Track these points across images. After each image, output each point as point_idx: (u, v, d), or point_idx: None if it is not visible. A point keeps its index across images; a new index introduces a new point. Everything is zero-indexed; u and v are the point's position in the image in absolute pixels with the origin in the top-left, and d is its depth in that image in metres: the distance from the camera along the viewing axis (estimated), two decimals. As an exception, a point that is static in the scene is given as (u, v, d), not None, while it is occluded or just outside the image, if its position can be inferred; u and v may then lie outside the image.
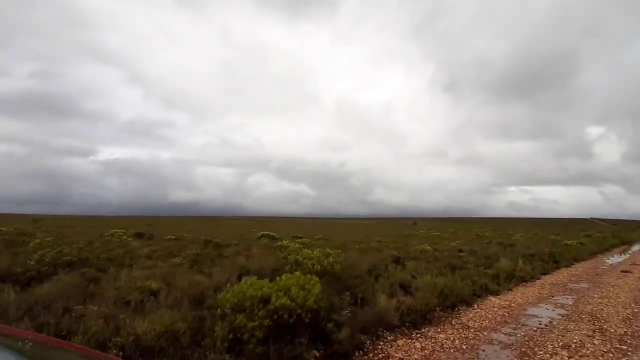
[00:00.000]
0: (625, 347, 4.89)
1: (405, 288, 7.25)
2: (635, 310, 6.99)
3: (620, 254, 19.67)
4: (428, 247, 15.34)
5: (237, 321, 3.79)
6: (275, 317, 3.89)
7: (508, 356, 4.58)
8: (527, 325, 5.90)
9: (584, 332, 5.54)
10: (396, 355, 4.51)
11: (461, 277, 8.97)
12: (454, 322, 5.94)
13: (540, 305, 7.36)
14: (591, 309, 6.99)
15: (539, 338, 5.21)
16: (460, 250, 16.46)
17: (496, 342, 5.02)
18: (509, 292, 8.60)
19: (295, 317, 4.04)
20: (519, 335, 5.35)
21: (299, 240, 19.72)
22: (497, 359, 4.51)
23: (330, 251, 8.39)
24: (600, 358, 4.53)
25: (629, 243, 28.96)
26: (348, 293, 6.98)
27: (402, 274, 8.34)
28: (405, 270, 9.21)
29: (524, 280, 10.07)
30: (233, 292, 4.24)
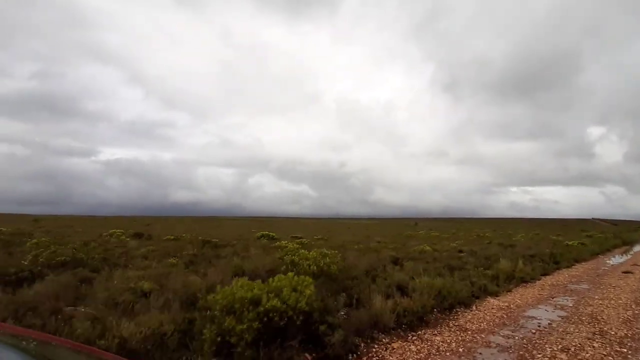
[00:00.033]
0: (626, 350, 4.77)
1: (402, 289, 7.14)
2: (636, 312, 6.87)
3: (622, 255, 19.53)
4: (427, 248, 15.24)
5: (225, 324, 3.68)
6: (265, 319, 3.78)
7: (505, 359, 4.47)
8: (525, 327, 5.78)
9: (584, 334, 5.42)
10: (390, 358, 4.40)
11: (460, 278, 8.86)
12: (451, 324, 5.82)
13: (539, 306, 7.24)
14: (591, 311, 6.87)
15: (537, 341, 5.09)
16: (460, 251, 16.35)
17: (494, 345, 4.91)
18: (508, 293, 8.48)
19: (286, 319, 3.93)
20: (517, 337, 5.24)
21: (298, 240, 19.62)
22: (495, 362, 4.40)
23: (327, 252, 8.29)
24: (600, 362, 4.42)
25: (631, 244, 28.79)
26: (344, 294, 6.89)
27: (400, 275, 8.23)
28: (404, 271, 9.09)
29: (524, 281, 9.95)
30: (223, 293, 4.13)
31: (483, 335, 5.30)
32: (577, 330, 5.60)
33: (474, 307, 6.99)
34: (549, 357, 4.49)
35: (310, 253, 8.03)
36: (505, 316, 6.43)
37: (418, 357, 4.47)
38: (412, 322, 5.63)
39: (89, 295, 5.86)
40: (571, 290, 9.02)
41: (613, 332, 5.53)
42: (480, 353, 4.62)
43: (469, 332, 5.42)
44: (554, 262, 13.49)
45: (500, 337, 5.24)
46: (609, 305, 7.33)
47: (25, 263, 8.30)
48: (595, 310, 6.96)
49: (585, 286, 9.57)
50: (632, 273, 11.98)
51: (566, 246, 19.49)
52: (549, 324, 6.00)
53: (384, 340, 4.96)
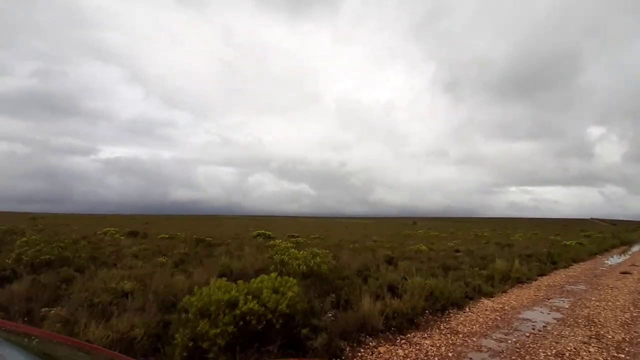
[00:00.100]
0: (623, 356, 4.57)
1: (393, 290, 6.94)
2: (634, 314, 6.68)
3: (620, 255, 19.34)
4: (423, 247, 15.04)
5: (199, 328, 3.48)
6: (241, 323, 3.57)
7: (497, 365, 4.28)
8: (519, 330, 5.58)
9: (580, 338, 5.22)
10: (376, 363, 4.20)
11: (454, 279, 8.66)
12: (442, 327, 5.62)
13: (535, 308, 7.04)
14: (588, 313, 6.67)
15: (531, 345, 4.89)
16: (457, 251, 16.16)
17: (485, 349, 4.71)
18: (504, 294, 8.28)
19: (264, 322, 3.72)
20: (510, 341, 5.03)
21: (294, 239, 19.41)
22: (485, 368, 4.20)
23: (317, 251, 8.09)
24: (595, 367, 4.22)
25: (629, 244, 28.61)
26: (334, 295, 6.69)
27: (393, 275, 8.02)
28: (397, 271, 8.89)
29: (520, 281, 9.75)
30: (200, 295, 3.93)
31: (475, 339, 5.09)
32: (572, 334, 5.40)
33: (467, 309, 6.78)
34: (542, 363, 4.30)
35: (300, 252, 7.83)
36: (498, 318, 6.23)
37: (405, 362, 4.27)
38: (402, 324, 5.42)
39: (66, 295, 5.65)
40: (568, 291, 8.82)
41: (610, 336, 5.33)
42: (471, 358, 4.43)
43: (460, 336, 5.22)
44: (551, 262, 13.29)
45: (493, 341, 5.04)
46: (606, 307, 7.13)
47: (9, 262, 8.10)
48: (592, 312, 6.76)
49: (582, 287, 9.38)
50: (630, 274, 11.78)
51: (564, 246, 19.31)
52: (543, 326, 5.80)
53: (371, 343, 4.75)
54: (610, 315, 6.52)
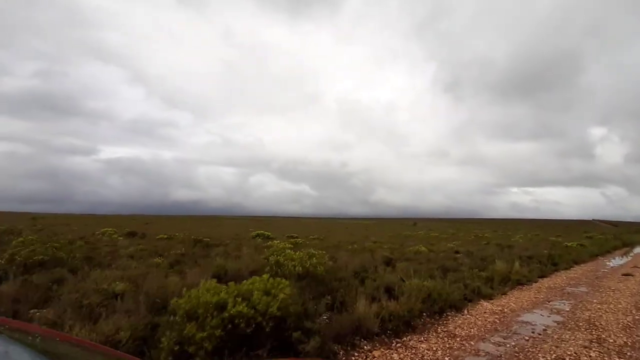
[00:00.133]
0: (625, 360, 4.44)
1: (390, 292, 6.81)
2: (637, 317, 6.54)
3: (622, 257, 19.16)
4: (423, 248, 14.90)
5: (185, 331, 3.36)
6: (230, 326, 3.45)
7: (495, 370, 4.15)
8: (518, 333, 5.45)
9: (580, 342, 5.09)
10: (370, 368, 4.09)
11: (453, 280, 8.54)
12: (439, 330, 5.49)
13: (535, 311, 6.91)
14: (589, 316, 6.54)
15: (530, 349, 4.76)
16: (457, 252, 16.01)
17: (483, 354, 4.58)
18: (503, 296, 8.14)
19: (254, 326, 3.61)
20: (508, 345, 4.91)
21: (293, 240, 19.28)
22: (482, 373, 4.07)
23: (314, 252, 7.96)
24: (596, 373, 4.09)
25: (631, 245, 28.41)
26: (329, 297, 6.56)
27: (390, 277, 7.90)
28: (395, 273, 8.77)
29: (520, 283, 9.61)
30: (188, 297, 3.81)
31: (472, 343, 4.97)
32: (573, 338, 5.27)
33: (465, 311, 6.66)
34: (542, 368, 4.17)
35: (296, 253, 7.71)
36: (497, 321, 6.10)
37: (400, 366, 4.15)
38: (398, 327, 5.30)
39: (56, 296, 5.55)
40: (568, 293, 8.68)
41: (612, 340, 5.20)
42: (468, 362, 4.30)
43: (458, 339, 5.09)
44: (552, 264, 13.15)
45: (491, 345, 4.91)
46: (607, 310, 7.00)
47: (2, 262, 8.00)
48: (593, 315, 6.63)
49: (583, 289, 9.23)
50: (632, 276, 11.63)
51: (565, 247, 19.15)
52: (543, 330, 5.67)
53: (365, 347, 4.63)
54: (612, 319, 6.39)
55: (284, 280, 4.55)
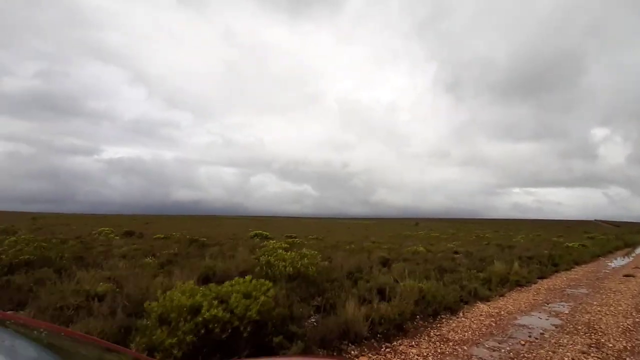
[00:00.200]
0: (625, 367, 4.22)
1: (383, 293, 6.60)
2: (637, 320, 6.31)
3: (624, 257, 18.89)
4: (421, 249, 14.68)
5: (155, 336, 3.16)
6: (203, 331, 3.25)
7: (487, 377, 3.94)
8: (514, 337, 5.23)
9: (579, 347, 4.87)
10: (356, 374, 3.88)
11: (451, 281, 8.33)
12: (432, 334, 5.28)
13: (532, 313, 6.69)
14: (589, 319, 6.31)
15: (526, 355, 4.54)
16: (456, 252, 15.79)
17: None
18: (501, 298, 7.92)
19: (230, 330, 3.40)
20: (503, 350, 4.69)
21: (291, 240, 19.08)
22: (474, 380, 3.86)
23: (306, 252, 7.76)
24: (594, 380, 3.87)
25: (633, 246, 28.10)
26: (320, 298, 6.37)
27: (385, 278, 7.69)
28: (390, 273, 8.56)
29: (519, 284, 9.38)
30: (163, 299, 3.61)
31: (465, 347, 4.75)
32: (571, 342, 5.05)
33: (460, 314, 6.44)
34: (537, 375, 3.96)
35: (288, 254, 7.50)
36: (493, 324, 5.88)
37: (387, 373, 3.94)
38: (389, 330, 5.09)
39: (36, 298, 5.36)
40: (568, 295, 8.44)
41: (611, 345, 4.97)
42: (459, 369, 4.09)
43: (451, 344, 4.88)
44: (553, 265, 12.90)
45: (485, 350, 4.70)
46: (607, 313, 6.77)
47: (-12, 262, 7.82)
48: (592, 318, 6.40)
49: (583, 290, 9.00)
50: (633, 276, 11.39)
51: (566, 248, 18.89)
52: (541, 334, 5.45)
53: (352, 352, 4.42)
54: (611, 322, 6.16)
55: (267, 282, 4.35)
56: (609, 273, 12.49)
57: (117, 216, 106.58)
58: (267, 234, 23.75)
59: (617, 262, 16.54)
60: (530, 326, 5.83)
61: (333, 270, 8.40)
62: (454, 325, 5.77)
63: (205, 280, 7.20)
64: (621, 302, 7.71)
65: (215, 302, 3.50)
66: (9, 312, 1.89)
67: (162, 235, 20.52)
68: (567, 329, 5.69)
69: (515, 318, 6.31)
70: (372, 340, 4.81)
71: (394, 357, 4.35)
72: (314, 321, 5.29)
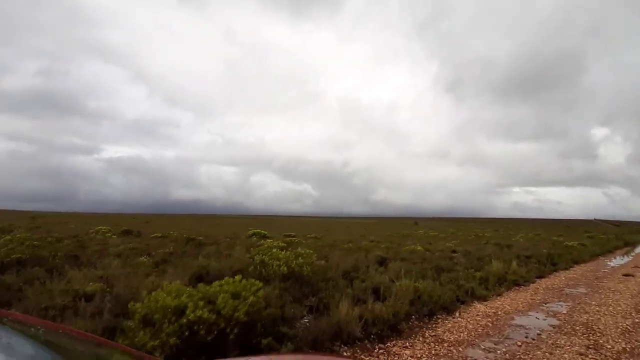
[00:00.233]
0: (623, 369, 4.12)
1: (378, 293, 6.50)
2: (637, 320, 6.21)
3: (623, 256, 18.80)
4: (419, 248, 14.57)
5: (137, 338, 3.06)
6: (187, 333, 3.15)
7: (482, 379, 3.84)
8: (511, 338, 5.13)
9: (576, 348, 4.77)
10: (347, 377, 3.78)
11: (447, 280, 8.23)
12: (427, 334, 5.18)
13: (530, 313, 6.59)
14: (587, 319, 6.21)
15: (522, 356, 4.44)
16: (454, 251, 15.68)
17: (470, 361, 4.27)
18: (498, 297, 7.82)
19: (216, 332, 3.30)
20: (499, 352, 4.59)
21: (289, 239, 18.98)
22: (468, 382, 3.76)
23: (301, 251, 7.66)
24: (592, 383, 3.77)
25: (633, 245, 28.01)
26: (314, 298, 6.27)
27: (380, 277, 7.59)
28: (387, 273, 8.46)
29: (517, 284, 9.28)
30: (148, 300, 3.51)
31: (461, 349, 4.66)
32: (568, 343, 4.95)
33: (457, 314, 6.34)
34: (533, 377, 3.86)
35: (282, 253, 7.40)
36: (490, 324, 5.78)
37: (379, 375, 3.84)
38: (383, 331, 5.00)
39: (23, 298, 5.26)
40: (567, 294, 8.34)
41: (609, 346, 4.87)
42: (453, 371, 4.00)
43: (445, 345, 4.78)
44: (551, 264, 12.81)
45: (480, 351, 4.60)
46: (606, 313, 6.67)
47: (-22, 261, 7.73)
48: (591, 318, 6.30)
49: (582, 290, 8.90)
50: (633, 276, 11.29)
51: (565, 247, 18.78)
52: (538, 334, 5.35)
53: (344, 354, 4.32)
54: (610, 322, 6.06)
55: (257, 281, 4.25)
56: (608, 272, 12.39)
57: (117, 215, 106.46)
58: (266, 233, 23.63)
59: (617, 261, 16.44)
60: (527, 327, 5.73)
61: (329, 269, 8.30)
62: (449, 325, 5.67)
63: (198, 279, 7.10)
64: (620, 302, 7.61)
65: (202, 303, 3.40)
66: (4, 310, 1.86)
67: (160, 234, 20.41)
68: (565, 330, 5.59)
69: (512, 318, 6.21)
70: (366, 342, 4.71)
71: (387, 358, 4.25)
72: (307, 322, 5.19)
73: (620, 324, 5.93)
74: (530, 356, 4.44)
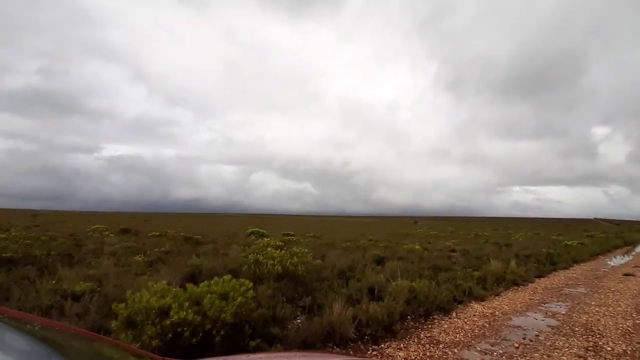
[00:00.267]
0: (623, 372, 4.01)
1: (373, 293, 6.39)
2: (637, 321, 6.09)
3: (623, 256, 18.68)
4: (417, 247, 14.46)
5: (119, 340, 2.95)
6: (170, 335, 3.04)
7: (477, 382, 3.73)
8: (508, 340, 5.02)
9: (575, 350, 4.66)
10: (338, 380, 3.66)
11: (445, 280, 8.12)
12: (422, 335, 5.07)
13: (528, 314, 6.48)
14: (586, 320, 6.09)
15: (519, 358, 4.32)
16: (453, 250, 15.58)
17: (466, 363, 4.16)
18: (496, 297, 7.71)
19: (201, 334, 3.19)
20: (496, 353, 4.48)
21: (287, 237, 18.89)
22: (463, 386, 3.65)
23: (296, 250, 7.55)
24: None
25: (633, 244, 27.88)
26: (308, 298, 6.16)
27: (377, 277, 7.47)
28: (384, 272, 8.34)
29: (515, 283, 9.17)
30: (132, 300, 3.40)
31: (456, 350, 4.54)
32: (567, 345, 4.84)
33: (453, 314, 6.23)
34: (530, 380, 3.75)
35: (277, 252, 7.29)
36: (487, 325, 5.66)
37: (372, 378, 3.73)
38: (377, 332, 4.89)
39: (10, 298, 5.16)
40: (566, 294, 8.23)
41: (609, 348, 4.76)
42: (448, 374, 3.88)
43: (441, 346, 4.67)
44: (551, 263, 12.69)
45: (476, 353, 4.48)
46: (606, 313, 6.55)
47: (-31, 260, 7.63)
48: (590, 319, 6.19)
49: (581, 290, 8.79)
50: (633, 275, 11.17)
51: (565, 246, 18.67)
52: (536, 335, 5.24)
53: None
54: (610, 323, 5.94)
55: (247, 281, 4.14)
56: (608, 272, 12.27)
57: (117, 214, 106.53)
58: (264, 231, 23.54)
59: (617, 260, 16.32)
60: (525, 327, 5.62)
61: (324, 268, 8.20)
62: (445, 326, 5.55)
63: (191, 279, 7.00)
64: (620, 302, 7.50)
65: (187, 304, 3.29)
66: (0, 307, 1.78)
67: (158, 233, 20.33)
68: (564, 331, 5.47)
69: (510, 319, 6.10)
70: (359, 343, 4.60)
71: (380, 360, 4.14)
72: (300, 322, 5.08)
73: (620, 325, 5.82)
74: (528, 358, 4.33)
